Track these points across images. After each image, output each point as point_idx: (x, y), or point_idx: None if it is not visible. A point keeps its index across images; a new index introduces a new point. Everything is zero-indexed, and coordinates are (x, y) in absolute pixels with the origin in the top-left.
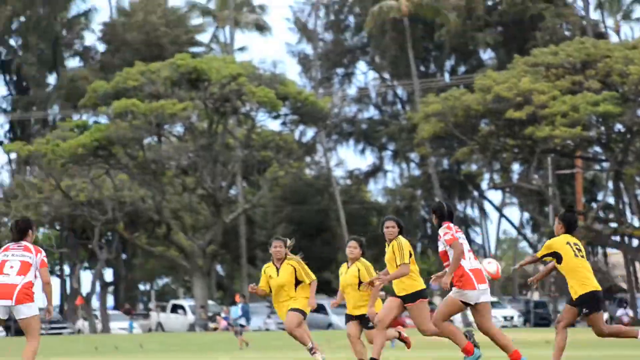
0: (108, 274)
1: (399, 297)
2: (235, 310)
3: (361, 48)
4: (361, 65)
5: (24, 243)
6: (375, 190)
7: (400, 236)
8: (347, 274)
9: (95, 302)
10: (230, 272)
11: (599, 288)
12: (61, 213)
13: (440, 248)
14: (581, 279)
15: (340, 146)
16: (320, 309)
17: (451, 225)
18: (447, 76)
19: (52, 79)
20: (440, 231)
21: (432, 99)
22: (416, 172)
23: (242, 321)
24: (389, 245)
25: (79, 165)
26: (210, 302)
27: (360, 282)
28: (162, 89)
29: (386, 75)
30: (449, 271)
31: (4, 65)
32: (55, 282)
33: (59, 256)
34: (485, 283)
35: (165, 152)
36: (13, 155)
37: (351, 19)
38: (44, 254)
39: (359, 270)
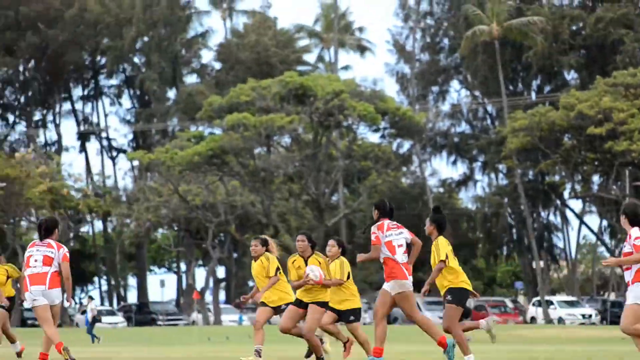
0: (220, 271)
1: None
2: None
3: (455, 68)
4: (454, 84)
5: (47, 240)
6: (465, 198)
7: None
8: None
9: (208, 297)
10: None
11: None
12: (178, 215)
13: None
14: (458, 276)
15: (434, 157)
16: None
17: (385, 223)
18: (533, 95)
19: (171, 93)
20: (373, 228)
21: (520, 115)
22: (503, 181)
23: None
24: (306, 260)
25: (195, 172)
26: None
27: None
28: (271, 104)
29: (477, 93)
30: (364, 256)
31: (128, 80)
32: (172, 278)
33: (176, 254)
34: (411, 276)
35: (274, 161)
36: (136, 163)
37: (446, 42)
38: (66, 249)
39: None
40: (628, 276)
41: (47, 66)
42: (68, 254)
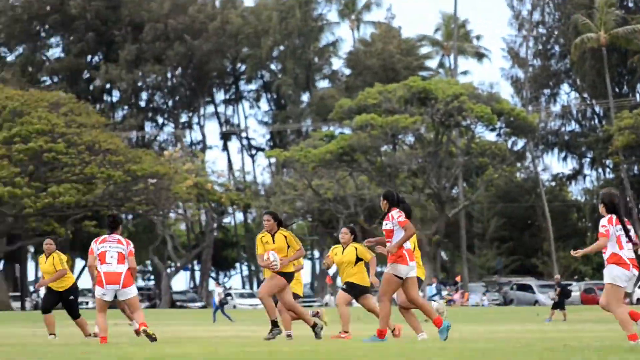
0: None
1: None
2: (430, 289)
3: (565, 72)
4: (565, 87)
5: (117, 236)
6: (575, 191)
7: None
8: (344, 255)
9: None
10: (452, 257)
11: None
12: (312, 207)
13: (388, 227)
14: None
15: (546, 154)
16: (527, 288)
17: (400, 211)
18: (638, 96)
19: (305, 97)
20: (394, 213)
21: (625, 115)
22: (610, 175)
23: (436, 298)
24: (273, 235)
25: (326, 168)
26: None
27: (357, 259)
28: (396, 106)
29: (586, 95)
30: (396, 243)
31: (266, 86)
32: (306, 263)
33: (310, 243)
34: (414, 261)
35: (399, 158)
36: (273, 160)
37: (556, 48)
38: (132, 245)
39: (356, 249)
40: (605, 257)
41: (193, 73)
42: (133, 250)
